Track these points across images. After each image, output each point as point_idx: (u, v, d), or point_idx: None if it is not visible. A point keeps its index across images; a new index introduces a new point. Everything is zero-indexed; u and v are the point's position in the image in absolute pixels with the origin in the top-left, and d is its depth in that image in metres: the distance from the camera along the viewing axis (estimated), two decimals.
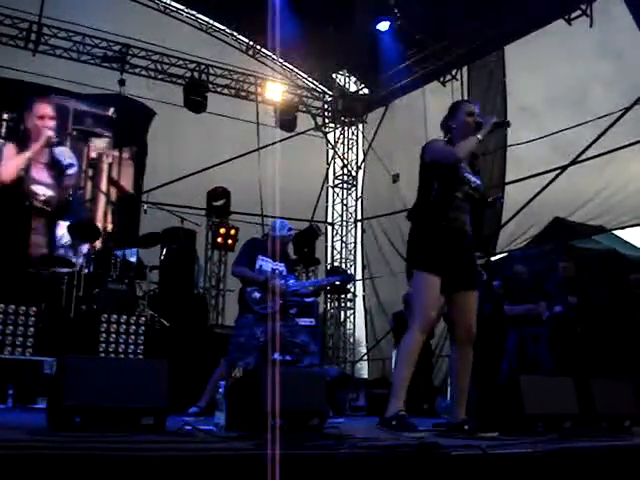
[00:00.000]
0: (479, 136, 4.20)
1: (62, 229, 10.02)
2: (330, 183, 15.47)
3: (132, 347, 8.19)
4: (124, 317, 8.24)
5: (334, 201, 15.50)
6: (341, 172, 15.49)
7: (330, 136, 15.64)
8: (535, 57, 10.94)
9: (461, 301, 4.23)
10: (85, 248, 9.13)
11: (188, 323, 9.63)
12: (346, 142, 15.56)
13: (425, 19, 11.27)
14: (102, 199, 12.62)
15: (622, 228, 10.02)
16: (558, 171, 10.53)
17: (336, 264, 14.92)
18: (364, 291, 14.85)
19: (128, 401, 3.54)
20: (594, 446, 3.51)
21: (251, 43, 14.21)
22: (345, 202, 15.44)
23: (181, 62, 13.18)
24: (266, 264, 6.28)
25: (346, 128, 15.60)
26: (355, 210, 15.40)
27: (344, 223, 15.38)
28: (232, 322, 7.18)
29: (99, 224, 12.26)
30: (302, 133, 14.39)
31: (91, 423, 3.35)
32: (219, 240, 12.67)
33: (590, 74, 10.16)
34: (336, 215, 15.45)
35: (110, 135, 12.79)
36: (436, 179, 4.23)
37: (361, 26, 11.70)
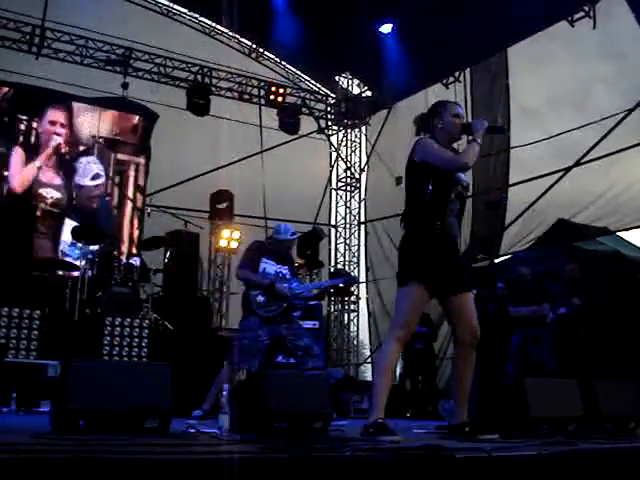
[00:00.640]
0: (479, 140, 4.11)
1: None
2: (333, 185, 15.48)
3: (136, 350, 8.21)
4: (128, 320, 8.25)
5: (337, 204, 15.51)
6: (344, 175, 15.50)
7: (333, 139, 15.65)
8: (538, 59, 10.94)
9: (458, 304, 4.20)
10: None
11: (192, 326, 9.63)
12: (349, 145, 15.58)
13: (427, 21, 11.26)
14: (129, 205, 12.71)
15: (626, 229, 10.00)
16: (562, 173, 10.52)
17: (340, 267, 14.92)
18: (368, 293, 14.83)
19: (132, 404, 3.55)
20: (599, 448, 3.50)
21: (254, 46, 14.22)
22: (348, 204, 15.45)
23: (184, 65, 13.19)
24: (270, 267, 6.27)
25: (349, 131, 15.61)
26: (358, 212, 15.40)
27: (347, 225, 15.38)
28: (236, 325, 7.17)
29: (125, 230, 12.42)
30: (305, 136, 14.39)
31: (95, 426, 3.35)
32: (222, 243, 12.67)
33: (593, 75, 10.16)
34: (339, 217, 15.46)
35: (135, 142, 12.90)
36: (430, 180, 4.11)
37: (364, 29, 11.71)
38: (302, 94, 14.75)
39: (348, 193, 15.50)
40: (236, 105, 13.85)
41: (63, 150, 11.65)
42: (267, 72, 14.30)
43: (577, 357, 8.00)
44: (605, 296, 8.93)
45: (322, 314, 11.63)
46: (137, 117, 12.83)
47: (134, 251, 12.08)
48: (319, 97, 15.10)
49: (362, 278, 14.75)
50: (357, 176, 15.47)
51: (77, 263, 9.06)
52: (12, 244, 8.70)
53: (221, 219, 12.85)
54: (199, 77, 13.34)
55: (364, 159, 15.39)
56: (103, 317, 8.22)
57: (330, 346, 13.98)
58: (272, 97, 13.91)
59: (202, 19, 13.82)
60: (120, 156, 12.73)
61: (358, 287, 14.75)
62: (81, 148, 12.16)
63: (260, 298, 6.14)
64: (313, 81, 15.09)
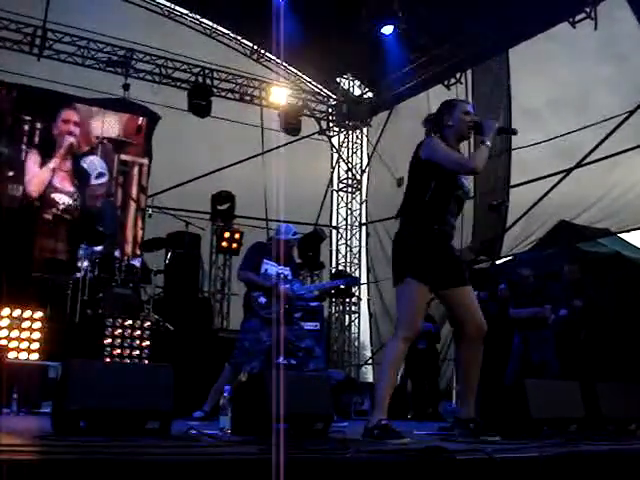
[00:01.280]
0: (488, 143, 4.07)
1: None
2: (334, 187, 15.48)
3: (137, 351, 8.22)
4: (129, 321, 8.26)
5: (338, 205, 15.51)
6: (345, 176, 15.50)
7: (334, 140, 15.65)
8: (539, 60, 10.93)
9: (460, 298, 4.16)
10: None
11: (193, 327, 9.64)
12: (350, 146, 15.57)
13: (429, 22, 11.26)
14: (132, 206, 12.74)
15: (627, 231, 10.00)
16: (563, 174, 10.52)
17: (341, 268, 14.92)
18: (369, 295, 14.83)
19: (133, 405, 3.55)
20: (600, 450, 3.49)
21: (255, 47, 14.23)
22: (350, 206, 15.45)
23: (185, 66, 13.20)
24: (271, 268, 6.28)
25: (350, 132, 15.61)
26: (360, 214, 15.39)
27: (349, 227, 15.38)
28: (237, 326, 7.18)
29: (129, 231, 12.47)
30: (306, 137, 14.38)
31: (96, 427, 3.35)
32: (224, 244, 12.66)
33: (594, 77, 10.15)
34: (341, 219, 15.45)
35: (138, 143, 12.95)
36: (433, 179, 4.08)
37: (365, 30, 11.70)
38: (303, 95, 14.76)
39: (349, 194, 15.49)
40: (237, 106, 13.86)
41: (77, 149, 11.78)
42: (268, 73, 14.31)
43: (578, 358, 8.00)
44: (606, 297, 8.93)
45: (323, 315, 11.63)
46: (140, 118, 12.86)
47: (138, 252, 12.10)
48: (320, 98, 15.10)
49: (363, 279, 14.75)
50: (358, 177, 15.46)
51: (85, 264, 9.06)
52: (14, 245, 8.72)
53: (222, 220, 12.85)
54: (200, 78, 13.34)
55: (365, 160, 15.39)
56: (104, 318, 8.23)
57: (331, 347, 13.97)
58: (273, 98, 13.91)
59: (203, 20, 13.82)
60: (124, 157, 12.79)
61: (359, 288, 14.74)
62: (86, 148, 12.24)
63: (262, 299, 6.15)
64: (314, 82, 15.08)
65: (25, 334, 7.59)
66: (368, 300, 14.83)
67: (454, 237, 4.26)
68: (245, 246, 11.09)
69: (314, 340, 6.55)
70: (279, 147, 13.69)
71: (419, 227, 4.14)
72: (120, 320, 8.18)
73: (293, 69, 14.81)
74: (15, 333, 7.52)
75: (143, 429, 3.50)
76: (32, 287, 8.97)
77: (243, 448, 3.08)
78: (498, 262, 11.46)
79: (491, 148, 4.15)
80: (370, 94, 14.99)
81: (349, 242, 15.28)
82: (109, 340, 8.06)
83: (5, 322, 7.50)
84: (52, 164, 11.50)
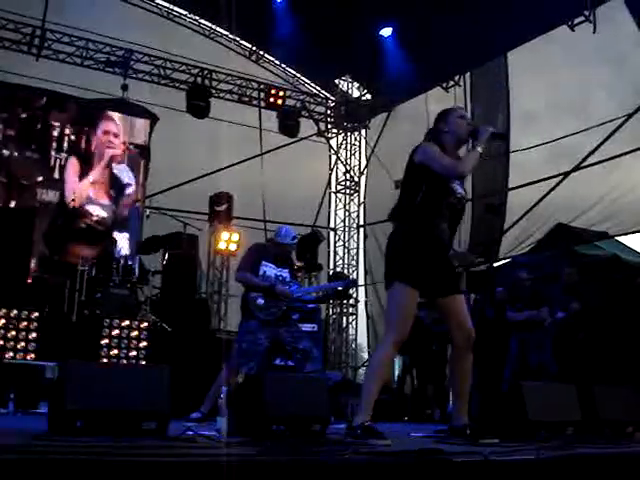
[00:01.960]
0: (479, 149, 4.08)
1: (121, 242, 10.51)
2: (333, 188, 15.48)
3: (134, 352, 8.21)
4: (126, 322, 8.25)
5: (337, 206, 15.51)
6: (344, 177, 15.50)
7: (333, 142, 15.66)
8: (538, 63, 10.94)
9: (449, 306, 4.18)
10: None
11: (190, 328, 9.63)
12: (349, 147, 15.58)
13: (428, 25, 11.26)
14: None
15: (625, 234, 10.01)
16: (561, 177, 10.53)
17: (338, 270, 14.92)
18: (366, 297, 14.82)
19: (130, 406, 3.54)
20: (597, 452, 3.50)
21: (254, 48, 14.24)
22: (348, 207, 15.45)
23: (184, 67, 13.19)
24: (270, 270, 6.27)
25: (349, 134, 15.62)
26: (358, 216, 15.39)
27: (346, 229, 15.37)
28: (234, 327, 7.18)
29: None
30: (305, 138, 14.38)
31: (93, 428, 3.35)
32: (221, 245, 12.66)
33: (593, 80, 10.17)
34: (338, 221, 15.45)
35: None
36: (424, 183, 4.10)
37: (364, 32, 11.72)
38: (302, 97, 14.75)
39: (347, 196, 15.49)
40: (236, 107, 13.85)
41: (116, 161, 12.08)
42: (267, 74, 14.32)
43: (575, 361, 8.01)
44: (604, 300, 8.93)
45: (321, 317, 11.61)
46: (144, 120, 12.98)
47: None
48: (319, 100, 15.10)
49: (361, 281, 14.74)
50: (356, 179, 15.47)
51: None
52: (10, 245, 8.72)
53: (220, 221, 12.84)
54: (199, 79, 13.34)
55: (363, 162, 15.39)
56: (101, 318, 8.22)
57: (328, 349, 13.97)
58: (272, 100, 13.91)
59: (202, 21, 13.83)
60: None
61: (357, 290, 14.75)
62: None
63: (259, 301, 6.14)
64: (313, 84, 15.09)
65: (22, 334, 7.58)
66: (366, 302, 14.83)
67: (452, 245, 4.26)
68: (243, 247, 11.08)
69: (312, 342, 6.54)
70: (277, 148, 13.70)
71: (409, 230, 4.15)
72: (117, 320, 8.17)
73: (292, 70, 14.81)
74: (12, 333, 7.51)
75: (140, 430, 3.50)
76: (29, 287, 8.97)
77: (240, 449, 3.07)
78: (496, 265, 11.45)
79: (489, 150, 4.16)
80: (369, 96, 15.00)
81: (347, 244, 15.28)
82: (106, 340, 8.06)
83: (2, 322, 7.49)
84: (92, 176, 11.76)
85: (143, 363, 8.01)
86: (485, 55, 11.76)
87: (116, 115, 12.58)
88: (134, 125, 12.79)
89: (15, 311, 7.59)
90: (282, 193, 13.13)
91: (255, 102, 14.09)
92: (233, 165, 13.05)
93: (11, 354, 7.45)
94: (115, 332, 8.12)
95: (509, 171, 11.53)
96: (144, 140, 12.91)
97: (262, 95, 14.01)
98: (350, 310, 14.95)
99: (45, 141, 11.96)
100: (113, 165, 12.27)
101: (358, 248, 15.24)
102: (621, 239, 10.11)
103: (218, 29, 13.91)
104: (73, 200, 11.07)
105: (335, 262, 15.22)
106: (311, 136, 14.76)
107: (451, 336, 4.22)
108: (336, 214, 15.48)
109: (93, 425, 3.36)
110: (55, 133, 11.99)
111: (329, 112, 15.30)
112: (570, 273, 8.60)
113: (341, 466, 2.57)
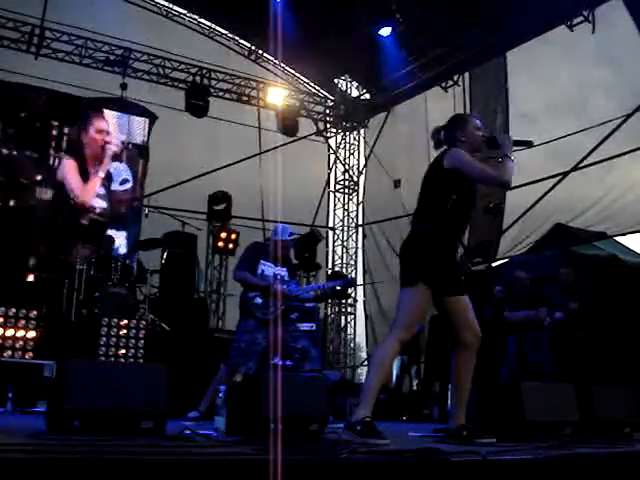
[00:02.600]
0: (513, 157, 4.09)
1: (118, 240, 10.61)
2: (331, 188, 15.48)
3: (132, 351, 8.20)
4: (125, 321, 8.24)
5: (335, 206, 15.51)
6: (342, 177, 15.50)
7: (332, 141, 15.66)
8: (537, 63, 10.95)
9: (460, 305, 4.21)
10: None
11: (188, 327, 9.62)
12: (348, 147, 15.58)
13: (427, 25, 11.27)
14: None
15: (623, 234, 10.02)
16: (559, 177, 10.53)
17: (337, 269, 14.92)
18: (365, 296, 14.84)
19: (128, 405, 3.54)
20: (595, 452, 3.50)
21: (253, 48, 14.23)
22: (346, 207, 15.45)
23: (183, 66, 13.19)
24: (268, 269, 6.26)
25: (348, 133, 15.62)
26: (356, 215, 15.40)
27: (345, 228, 15.37)
28: (233, 326, 7.17)
29: None
30: (304, 138, 14.39)
31: (90, 426, 3.35)
32: (220, 244, 12.66)
33: (592, 81, 10.17)
34: (337, 220, 15.45)
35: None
36: (456, 189, 4.11)
37: (363, 31, 11.72)
38: (301, 96, 14.75)
39: (346, 196, 15.49)
40: (234, 106, 13.85)
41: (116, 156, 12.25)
42: (266, 74, 14.32)
43: (573, 361, 8.01)
44: (602, 300, 8.93)
45: (319, 316, 11.62)
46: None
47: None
48: (318, 99, 15.11)
49: (359, 281, 14.76)
50: (355, 179, 15.47)
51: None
52: (8, 245, 8.73)
53: (219, 220, 12.85)
54: (198, 78, 13.34)
55: (362, 162, 15.40)
56: (100, 317, 8.21)
57: (327, 348, 13.97)
58: (271, 99, 13.91)
59: (201, 20, 13.82)
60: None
61: (355, 290, 14.75)
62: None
63: (258, 300, 6.14)
64: (312, 83, 15.09)
65: (20, 333, 7.57)
66: (364, 301, 14.85)
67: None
68: (241, 247, 11.08)
69: (310, 341, 6.54)
70: (276, 148, 13.70)
71: (435, 233, 4.15)
72: (116, 320, 8.16)
73: (291, 70, 14.81)
74: (10, 332, 7.50)
75: (137, 429, 3.50)
76: (28, 286, 8.97)
77: (238, 448, 3.08)
78: (494, 265, 11.46)
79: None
80: (367, 95, 15.01)
81: (345, 243, 15.28)
82: (104, 340, 8.04)
83: (0, 320, 7.48)
84: (101, 173, 11.91)
85: (141, 362, 7.99)
86: (484, 55, 11.76)
87: (107, 112, 12.55)
88: (133, 124, 12.77)
89: (14, 310, 7.58)
90: (281, 192, 13.13)
91: (254, 101, 14.10)
92: (232, 164, 13.05)
93: (9, 353, 7.44)
94: (113, 331, 8.09)
95: None
96: (143, 139, 12.93)
97: (261, 94, 14.03)
98: (349, 310, 14.96)
99: (44, 140, 11.97)
100: (111, 162, 12.31)
101: (357, 248, 15.25)
102: (619, 239, 10.12)
103: (217, 28, 13.92)
104: (77, 198, 11.15)
105: (334, 261, 15.22)
106: (310, 135, 14.77)
107: (458, 335, 4.21)
108: (335, 213, 15.49)
109: (91, 424, 3.36)
110: (54, 132, 12.01)
111: (328, 112, 15.30)
112: (566, 273, 8.61)
113: (339, 465, 2.57)
